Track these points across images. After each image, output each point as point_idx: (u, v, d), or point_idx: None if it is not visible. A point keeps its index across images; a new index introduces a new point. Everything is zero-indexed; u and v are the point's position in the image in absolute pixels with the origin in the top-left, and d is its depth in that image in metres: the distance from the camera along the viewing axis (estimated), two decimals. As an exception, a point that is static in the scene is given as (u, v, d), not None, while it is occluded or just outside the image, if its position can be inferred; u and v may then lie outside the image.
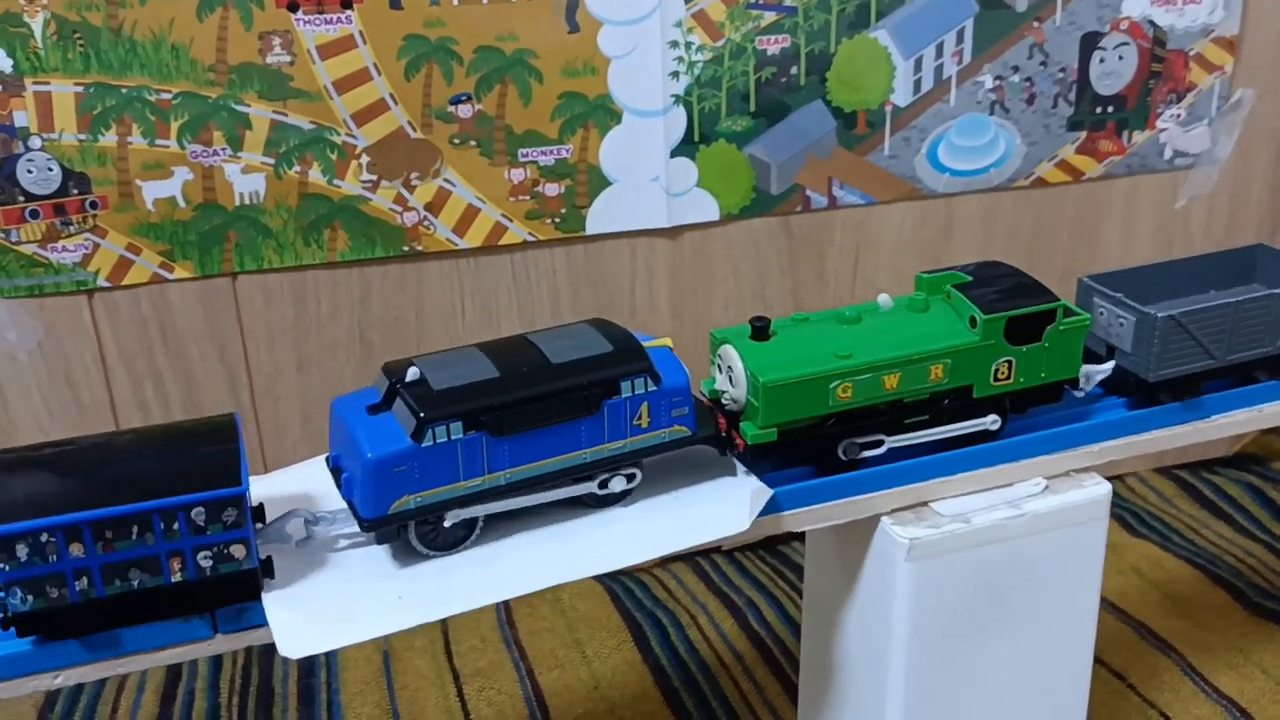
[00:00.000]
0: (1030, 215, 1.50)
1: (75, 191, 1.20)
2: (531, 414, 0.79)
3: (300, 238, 1.27)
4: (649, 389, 0.82)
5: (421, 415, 0.76)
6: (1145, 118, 1.48)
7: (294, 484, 0.86)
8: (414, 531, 0.79)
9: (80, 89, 1.17)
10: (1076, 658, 0.95)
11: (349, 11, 1.21)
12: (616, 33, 1.29)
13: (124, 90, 1.18)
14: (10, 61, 1.15)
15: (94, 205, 1.21)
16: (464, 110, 1.28)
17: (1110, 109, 1.47)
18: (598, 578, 1.51)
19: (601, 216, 1.35)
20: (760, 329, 0.86)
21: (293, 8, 1.20)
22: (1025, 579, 0.90)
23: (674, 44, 1.30)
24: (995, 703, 0.93)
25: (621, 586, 1.51)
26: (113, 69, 1.17)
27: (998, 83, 1.42)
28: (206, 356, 1.30)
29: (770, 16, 1.32)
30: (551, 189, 1.33)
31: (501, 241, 1.34)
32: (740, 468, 0.88)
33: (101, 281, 1.24)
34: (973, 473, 0.90)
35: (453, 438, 0.77)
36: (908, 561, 0.85)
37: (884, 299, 0.91)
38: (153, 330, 1.27)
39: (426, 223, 1.31)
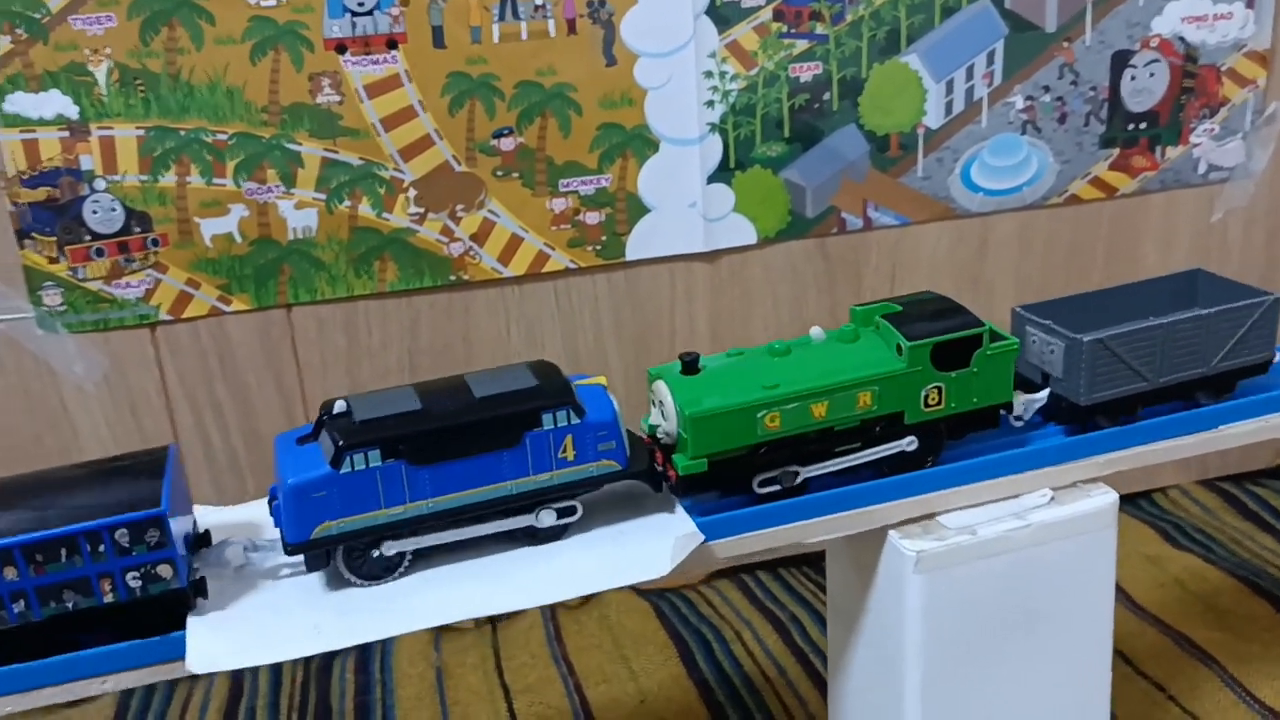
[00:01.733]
0: (1065, 232, 1.52)
1: (138, 230, 1.26)
2: (450, 443, 0.81)
3: (351, 269, 1.32)
4: (571, 422, 0.83)
5: (340, 443, 0.79)
6: (1178, 133, 1.50)
7: (251, 515, 0.90)
8: (341, 559, 0.81)
9: (141, 132, 1.23)
10: (1094, 667, 0.97)
11: (394, 52, 1.26)
12: (652, 65, 1.33)
13: (182, 133, 1.24)
14: (76, 109, 1.21)
15: (155, 243, 1.27)
16: (506, 143, 1.32)
17: (1143, 126, 1.48)
18: (643, 593, 1.55)
19: (641, 243, 1.39)
20: (689, 364, 0.88)
21: (341, 49, 1.25)
22: (1035, 589, 0.92)
23: (708, 74, 1.34)
24: (1014, 713, 0.95)
25: (667, 603, 1.54)
26: (172, 113, 1.23)
27: (1029, 103, 1.44)
28: (263, 385, 1.35)
29: (802, 44, 1.36)
30: (592, 217, 1.37)
31: (545, 269, 1.38)
32: (680, 507, 0.89)
33: (163, 315, 1.30)
34: (979, 484, 0.92)
35: (371, 465, 0.79)
36: (916, 573, 0.88)
37: (816, 331, 0.93)
38: (212, 361, 1.33)
39: (472, 253, 1.35)
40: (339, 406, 0.82)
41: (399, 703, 1.37)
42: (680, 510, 0.89)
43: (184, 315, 1.30)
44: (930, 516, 0.91)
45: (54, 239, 1.24)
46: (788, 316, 1.46)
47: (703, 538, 0.85)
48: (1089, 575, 0.94)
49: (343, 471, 0.79)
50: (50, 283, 1.26)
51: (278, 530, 0.83)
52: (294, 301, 1.32)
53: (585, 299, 1.41)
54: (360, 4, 1.24)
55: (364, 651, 1.45)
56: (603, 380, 0.88)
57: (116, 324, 1.29)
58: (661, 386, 0.88)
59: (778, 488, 0.88)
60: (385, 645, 1.47)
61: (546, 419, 0.83)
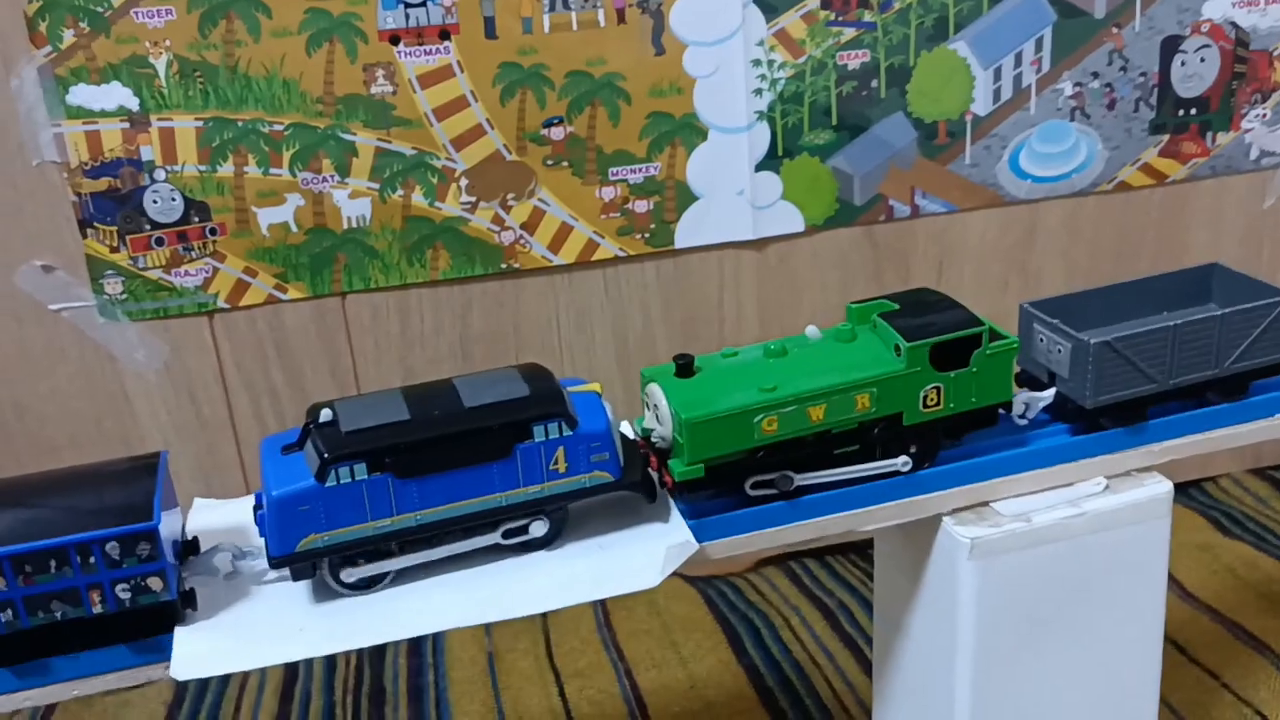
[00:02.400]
0: (1114, 219, 1.51)
1: (196, 219, 1.29)
2: (437, 456, 0.78)
3: (404, 258, 1.34)
4: (564, 433, 0.81)
5: (325, 456, 0.77)
6: (1229, 119, 1.49)
7: (239, 515, 0.89)
8: (327, 569, 0.80)
9: (200, 123, 1.25)
10: (1144, 656, 0.96)
11: (447, 42, 1.28)
12: (701, 54, 1.34)
13: (240, 123, 1.26)
14: (137, 100, 1.23)
15: (214, 232, 1.30)
16: (556, 133, 1.33)
17: (1193, 111, 1.48)
18: (691, 580, 1.56)
19: (689, 231, 1.40)
20: (684, 366, 0.86)
21: (394, 40, 1.27)
22: (1089, 578, 0.91)
23: (756, 62, 1.35)
24: (1064, 703, 0.94)
25: (715, 590, 1.55)
26: (230, 104, 1.25)
27: (1077, 89, 1.44)
28: (318, 372, 1.37)
29: (850, 33, 1.36)
30: (641, 205, 1.38)
31: (594, 257, 1.39)
32: (675, 513, 0.87)
33: (221, 303, 1.32)
34: (1033, 473, 0.91)
35: (357, 478, 0.77)
36: (970, 560, 0.87)
37: (812, 330, 0.91)
38: (268, 348, 1.35)
39: (523, 241, 1.37)
40: (325, 415, 0.80)
41: (451, 685, 1.39)
42: (675, 517, 0.87)
43: (241, 303, 1.33)
44: (984, 504, 0.91)
45: (115, 228, 1.27)
46: (836, 303, 1.47)
47: (696, 546, 0.83)
48: (1142, 564, 0.93)
49: (328, 485, 0.77)
50: (111, 271, 1.28)
51: (263, 539, 0.82)
52: (348, 289, 1.34)
53: (634, 286, 1.42)
54: (413, -5, 1.25)
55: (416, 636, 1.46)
56: (597, 387, 0.87)
57: (176, 312, 1.31)
58: (656, 390, 0.86)
59: (773, 491, 0.86)
60: (437, 630, 1.49)
61: (538, 430, 0.80)
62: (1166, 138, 1.48)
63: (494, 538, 0.83)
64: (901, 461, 0.89)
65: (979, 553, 0.87)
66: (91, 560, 0.74)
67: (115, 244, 1.28)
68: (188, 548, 0.84)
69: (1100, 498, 0.91)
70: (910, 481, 0.89)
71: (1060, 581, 0.90)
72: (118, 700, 1.40)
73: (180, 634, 0.78)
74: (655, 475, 0.87)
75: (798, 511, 0.88)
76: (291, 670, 1.43)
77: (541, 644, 1.45)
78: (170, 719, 1.37)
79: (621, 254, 1.40)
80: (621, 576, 0.82)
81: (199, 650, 0.77)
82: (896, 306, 0.90)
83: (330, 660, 1.45)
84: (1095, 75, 1.43)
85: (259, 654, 0.77)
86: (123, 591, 0.75)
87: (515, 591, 0.82)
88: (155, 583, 0.75)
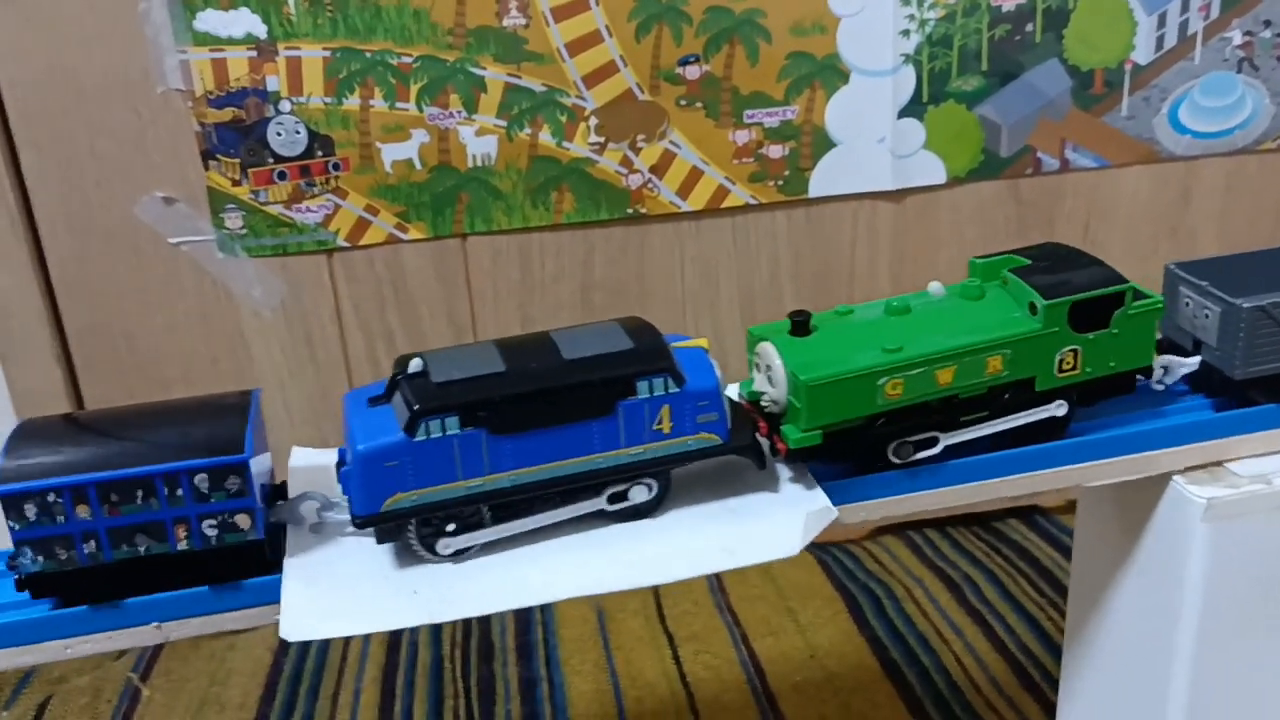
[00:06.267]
0: (1277, 180, 1.42)
1: (320, 153, 1.25)
2: (535, 411, 0.73)
3: (529, 200, 1.29)
4: (669, 390, 0.75)
5: (415, 407, 0.72)
6: None
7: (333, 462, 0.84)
8: (415, 534, 0.74)
9: (328, 53, 1.21)
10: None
11: (583, -27, 1.22)
12: (847, -9, 1.27)
13: (368, 54, 1.22)
14: (265, 28, 1.19)
15: (336, 167, 1.25)
16: (691, 71, 1.27)
17: (1370, 66, 1.38)
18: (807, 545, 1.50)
19: (825, 179, 1.33)
20: (800, 324, 0.80)
21: (529, -30, 1.21)
22: None
23: (906, 1, 1.27)
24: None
25: (831, 557, 1.49)
26: (359, 33, 1.21)
27: (1247, 38, 1.34)
28: (435, 316, 1.33)
29: (1006, -28, 1.28)
30: (775, 151, 1.32)
31: (724, 204, 1.33)
32: (800, 477, 0.81)
33: (341, 241, 1.28)
34: (1268, 433, 0.84)
35: (448, 433, 0.72)
36: (1203, 522, 0.80)
37: (935, 286, 0.83)
38: (386, 290, 1.31)
39: (651, 185, 1.31)
40: (415, 365, 0.74)
41: (562, 644, 1.35)
42: (797, 482, 0.80)
43: (361, 242, 1.29)
44: (1218, 464, 0.83)
45: (237, 161, 1.23)
46: (974, 262, 1.39)
47: (835, 514, 0.76)
48: None
49: (417, 439, 0.72)
50: (232, 205, 1.25)
51: (346, 498, 0.77)
52: (470, 231, 1.30)
53: (764, 236, 1.36)
54: (549, -77, 1.20)
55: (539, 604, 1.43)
56: (704, 343, 0.80)
57: (295, 249, 1.28)
58: (769, 349, 0.79)
59: (896, 461, 0.80)
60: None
61: (642, 386, 0.74)
62: (1339, 94, 1.39)
63: (598, 503, 0.77)
64: (1056, 404, 0.81)
65: (1214, 515, 0.80)
66: (179, 493, 0.70)
67: (237, 177, 1.24)
68: (275, 492, 0.80)
69: None
70: (1131, 439, 0.82)
71: None
72: (224, 643, 1.38)
73: (287, 591, 0.73)
74: (765, 441, 0.81)
75: (1057, 456, 0.82)
76: (398, 620, 1.40)
77: (652, 605, 1.41)
78: (276, 665, 1.35)
79: (753, 201, 1.33)
80: (755, 544, 0.75)
81: (307, 609, 0.72)
82: (1027, 262, 0.83)
83: (437, 612, 1.42)
84: (1267, 24, 1.34)
85: (372, 618, 0.72)
86: (209, 528, 0.71)
87: (633, 561, 0.75)
88: (243, 520, 0.72)
